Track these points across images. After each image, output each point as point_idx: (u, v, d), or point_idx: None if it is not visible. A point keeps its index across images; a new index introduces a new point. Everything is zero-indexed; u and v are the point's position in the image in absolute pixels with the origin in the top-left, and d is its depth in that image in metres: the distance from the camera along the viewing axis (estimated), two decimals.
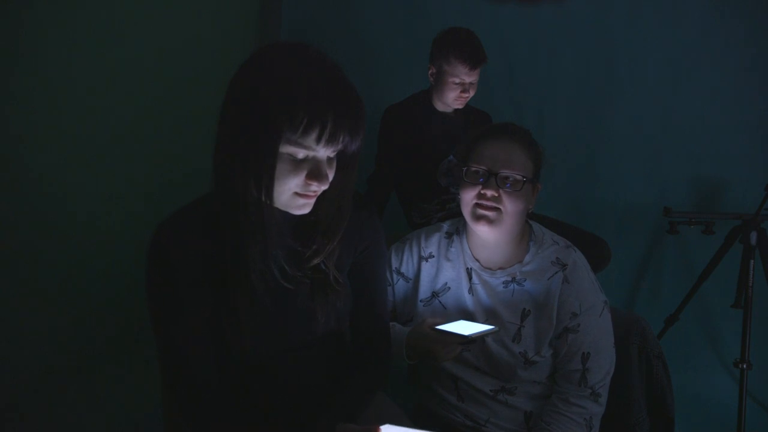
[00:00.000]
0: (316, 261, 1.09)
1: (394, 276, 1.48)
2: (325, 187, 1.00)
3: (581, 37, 2.80)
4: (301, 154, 0.96)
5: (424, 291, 1.45)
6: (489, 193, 1.31)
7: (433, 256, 1.46)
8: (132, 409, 1.57)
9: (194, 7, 2.10)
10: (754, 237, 2.30)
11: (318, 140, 0.94)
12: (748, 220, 2.32)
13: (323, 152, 0.97)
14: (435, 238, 1.48)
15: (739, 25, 2.70)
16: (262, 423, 1.09)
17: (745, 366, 2.19)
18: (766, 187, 2.24)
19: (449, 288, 1.43)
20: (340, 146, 0.97)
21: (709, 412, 2.37)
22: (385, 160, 2.36)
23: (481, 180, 1.32)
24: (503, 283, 1.39)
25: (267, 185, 0.96)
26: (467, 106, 2.32)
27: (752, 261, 2.29)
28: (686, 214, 2.47)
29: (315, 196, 1.02)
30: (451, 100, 2.25)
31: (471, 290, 1.41)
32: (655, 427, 1.48)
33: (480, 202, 1.32)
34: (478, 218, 1.33)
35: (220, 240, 1.01)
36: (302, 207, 1.02)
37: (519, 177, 1.32)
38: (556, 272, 1.36)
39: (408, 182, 2.37)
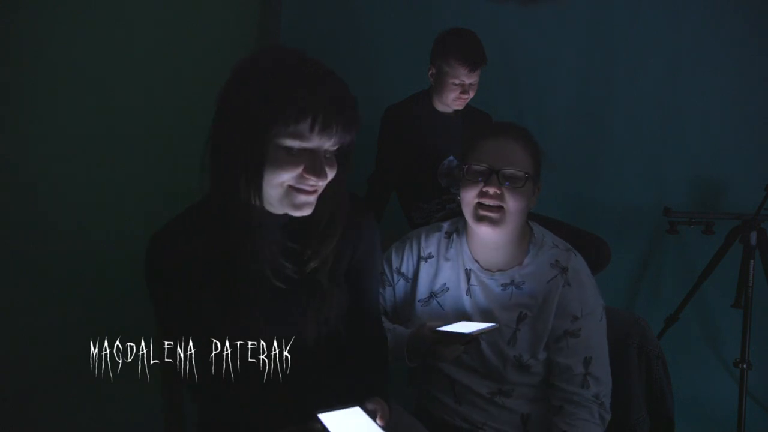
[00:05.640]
0: (312, 265, 1.07)
1: (395, 276, 1.47)
2: (323, 182, 0.99)
3: (581, 37, 2.80)
4: (296, 145, 0.94)
5: (422, 291, 1.44)
6: (491, 190, 1.29)
7: (432, 256, 1.45)
8: (132, 409, 1.58)
9: (193, 8, 2.10)
10: (754, 237, 2.30)
11: (312, 128, 0.93)
12: (748, 220, 2.32)
13: (318, 143, 0.95)
14: (434, 238, 1.46)
15: (739, 25, 2.70)
16: (261, 425, 1.09)
17: (745, 366, 2.19)
18: (766, 187, 2.24)
19: (447, 289, 1.42)
20: (335, 138, 0.96)
21: (709, 412, 2.37)
22: (385, 160, 2.36)
23: (481, 179, 1.31)
24: (501, 285, 1.38)
25: (256, 180, 0.95)
26: (467, 106, 2.31)
27: (752, 261, 2.29)
28: (686, 214, 2.47)
29: (315, 192, 1.00)
30: (451, 100, 2.25)
31: (469, 292, 1.40)
32: (655, 427, 1.48)
33: (482, 201, 1.31)
34: (481, 219, 1.31)
35: (214, 244, 1.01)
36: (303, 207, 1.00)
37: (521, 173, 1.30)
38: (556, 275, 1.34)
39: (408, 182, 2.37)
